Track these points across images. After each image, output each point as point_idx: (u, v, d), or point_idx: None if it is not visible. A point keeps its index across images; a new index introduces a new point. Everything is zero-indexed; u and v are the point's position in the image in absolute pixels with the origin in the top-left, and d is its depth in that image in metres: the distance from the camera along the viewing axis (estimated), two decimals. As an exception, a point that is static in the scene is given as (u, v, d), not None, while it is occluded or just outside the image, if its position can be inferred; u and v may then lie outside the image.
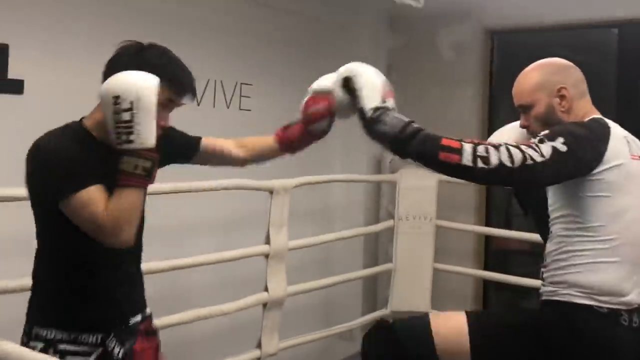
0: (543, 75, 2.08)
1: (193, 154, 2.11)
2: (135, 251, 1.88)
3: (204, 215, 3.67)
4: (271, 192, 3.47)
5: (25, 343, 1.74)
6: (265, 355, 3.52)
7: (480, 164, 1.79)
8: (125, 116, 1.61)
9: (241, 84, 3.91)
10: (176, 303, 3.28)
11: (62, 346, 1.73)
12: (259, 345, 3.51)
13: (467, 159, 1.80)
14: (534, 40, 4.73)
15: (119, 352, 1.80)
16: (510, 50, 4.80)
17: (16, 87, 2.88)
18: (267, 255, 3.49)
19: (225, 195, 3.43)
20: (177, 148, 2.04)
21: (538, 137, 1.90)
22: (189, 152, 2.10)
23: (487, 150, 1.81)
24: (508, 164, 1.80)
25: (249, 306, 3.45)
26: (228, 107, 3.85)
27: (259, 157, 2.20)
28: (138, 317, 1.90)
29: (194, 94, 1.84)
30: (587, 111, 2.07)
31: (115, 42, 1.79)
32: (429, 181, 4.35)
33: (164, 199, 2.85)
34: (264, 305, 3.51)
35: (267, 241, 3.47)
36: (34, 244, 1.82)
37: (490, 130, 4.66)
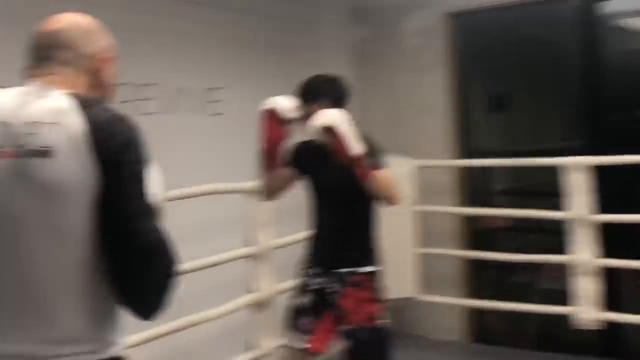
0: None
1: None
2: None
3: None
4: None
5: None
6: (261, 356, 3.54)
7: None
8: None
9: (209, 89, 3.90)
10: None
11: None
12: (252, 347, 3.53)
13: None
14: (495, 19, 4.76)
15: None
16: (473, 31, 4.82)
17: None
18: (251, 256, 3.52)
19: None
20: None
21: None
22: None
23: None
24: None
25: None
26: (199, 113, 3.84)
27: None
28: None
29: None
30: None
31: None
32: (406, 168, 4.37)
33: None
34: (253, 305, 3.54)
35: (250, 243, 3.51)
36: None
37: (461, 113, 4.72)
